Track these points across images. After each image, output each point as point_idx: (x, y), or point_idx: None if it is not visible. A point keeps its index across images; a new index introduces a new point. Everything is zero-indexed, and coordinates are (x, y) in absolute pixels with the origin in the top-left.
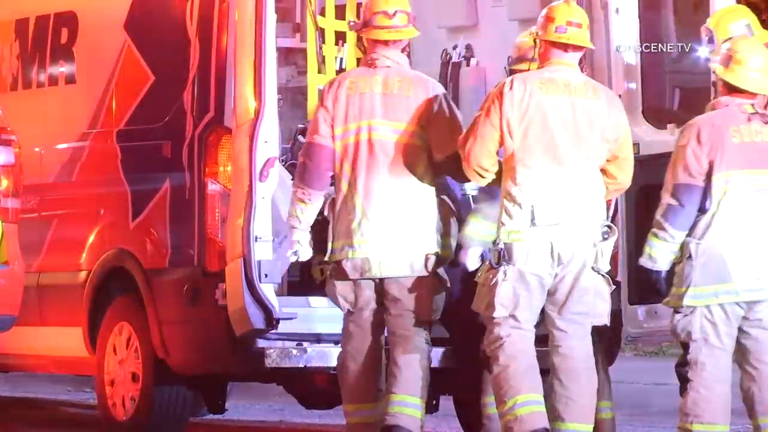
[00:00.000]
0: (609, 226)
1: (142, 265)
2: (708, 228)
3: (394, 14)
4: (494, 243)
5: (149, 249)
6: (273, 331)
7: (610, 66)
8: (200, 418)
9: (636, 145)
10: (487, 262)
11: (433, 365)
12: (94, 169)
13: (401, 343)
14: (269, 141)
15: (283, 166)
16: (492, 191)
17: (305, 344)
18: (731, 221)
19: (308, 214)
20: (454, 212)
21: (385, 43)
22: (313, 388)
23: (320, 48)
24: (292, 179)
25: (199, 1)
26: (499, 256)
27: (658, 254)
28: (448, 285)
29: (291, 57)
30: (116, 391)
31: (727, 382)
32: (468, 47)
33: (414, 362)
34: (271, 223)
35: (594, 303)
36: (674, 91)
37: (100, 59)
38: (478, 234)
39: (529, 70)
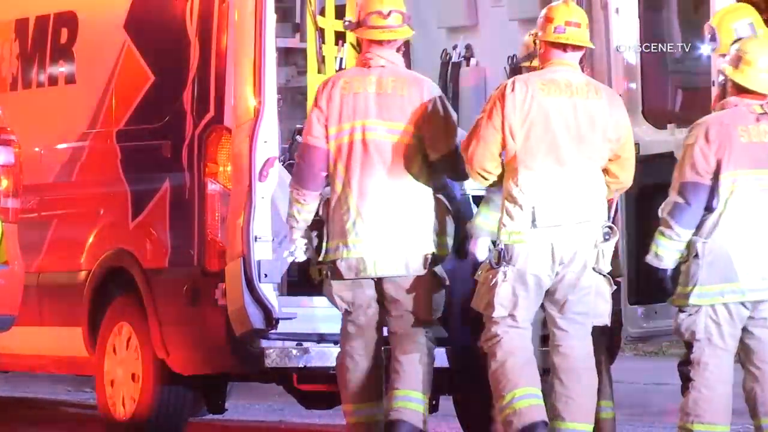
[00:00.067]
0: (610, 227)
1: (142, 265)
2: (715, 227)
3: (389, 14)
4: (494, 243)
5: (149, 249)
6: (273, 331)
7: (610, 66)
8: (200, 418)
9: (636, 145)
10: (487, 262)
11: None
12: (94, 169)
13: (403, 342)
14: (269, 141)
15: (282, 165)
16: (502, 182)
17: (305, 344)
18: (738, 221)
19: (305, 214)
20: (450, 211)
21: (380, 43)
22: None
23: (320, 48)
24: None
25: (199, 1)
26: (500, 257)
27: (664, 252)
28: (447, 284)
29: (291, 57)
30: (116, 391)
31: (728, 383)
32: (468, 47)
33: (416, 359)
34: (271, 222)
35: (595, 303)
36: (675, 92)
37: (100, 59)
38: (487, 224)
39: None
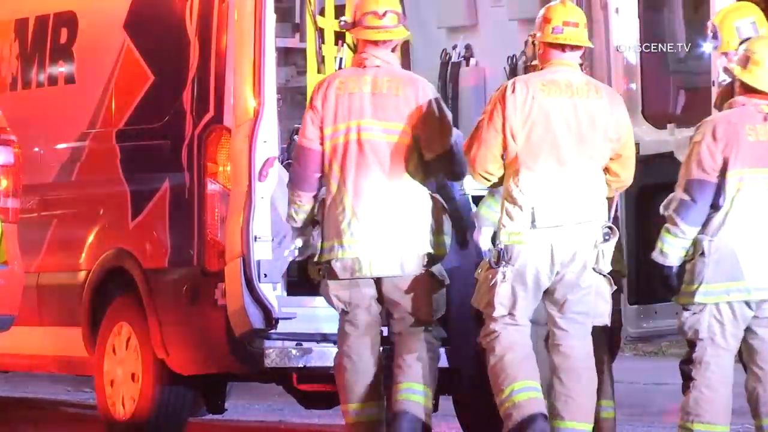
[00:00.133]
0: (610, 227)
1: (142, 265)
2: (721, 225)
3: (384, 14)
4: (494, 243)
5: (149, 249)
6: (273, 331)
7: (610, 66)
8: (200, 418)
9: (636, 145)
10: (487, 261)
11: None
12: (94, 169)
13: (407, 342)
14: (268, 141)
15: (282, 165)
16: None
17: (305, 344)
18: (744, 219)
19: (302, 214)
20: (446, 210)
21: (375, 43)
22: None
23: (320, 48)
24: None
25: (199, 1)
26: (499, 257)
27: (670, 250)
28: (447, 283)
29: (290, 57)
30: (116, 391)
31: (729, 383)
32: (468, 47)
33: (420, 355)
34: (271, 222)
35: (595, 303)
36: (675, 91)
37: (100, 59)
38: (491, 214)
39: None
